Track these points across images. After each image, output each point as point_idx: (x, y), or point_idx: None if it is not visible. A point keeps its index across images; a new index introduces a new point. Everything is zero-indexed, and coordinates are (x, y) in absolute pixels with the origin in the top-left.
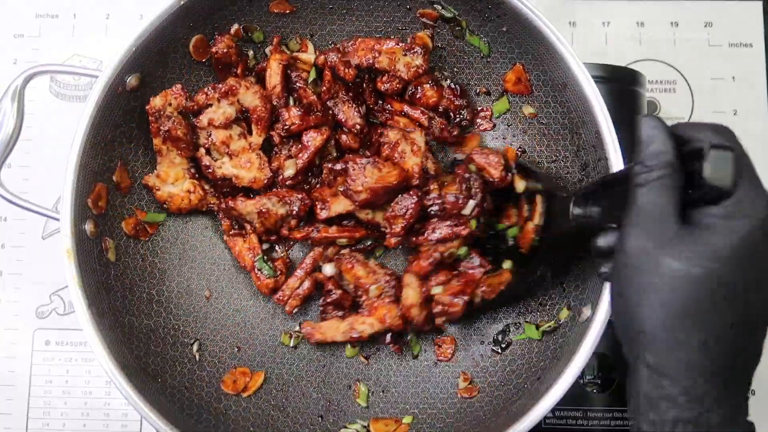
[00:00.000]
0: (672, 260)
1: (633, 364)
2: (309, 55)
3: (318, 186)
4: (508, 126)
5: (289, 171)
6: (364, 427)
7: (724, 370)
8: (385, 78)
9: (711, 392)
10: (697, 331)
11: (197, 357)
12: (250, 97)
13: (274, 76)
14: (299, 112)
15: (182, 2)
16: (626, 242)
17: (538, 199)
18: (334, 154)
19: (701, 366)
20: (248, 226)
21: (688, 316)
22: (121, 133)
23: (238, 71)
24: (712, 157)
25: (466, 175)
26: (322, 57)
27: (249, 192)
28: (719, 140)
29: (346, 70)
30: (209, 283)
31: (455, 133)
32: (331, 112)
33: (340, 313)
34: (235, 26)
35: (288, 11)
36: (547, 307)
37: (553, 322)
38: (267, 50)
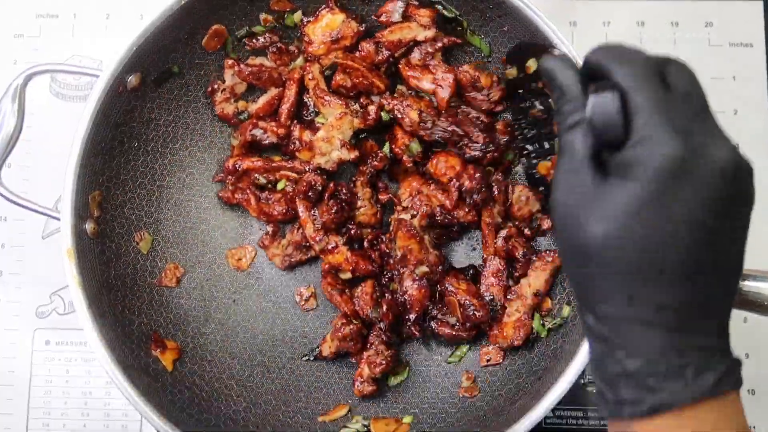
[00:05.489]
0: (588, 222)
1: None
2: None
3: None
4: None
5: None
6: (365, 426)
7: (683, 322)
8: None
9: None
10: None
11: (199, 357)
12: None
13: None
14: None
15: (182, 2)
16: (552, 195)
17: None
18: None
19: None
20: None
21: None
22: (122, 132)
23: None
24: (591, 99)
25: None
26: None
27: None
28: (618, 73)
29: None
30: (212, 283)
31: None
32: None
33: None
34: (263, 15)
35: (288, 9)
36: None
37: (558, 319)
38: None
